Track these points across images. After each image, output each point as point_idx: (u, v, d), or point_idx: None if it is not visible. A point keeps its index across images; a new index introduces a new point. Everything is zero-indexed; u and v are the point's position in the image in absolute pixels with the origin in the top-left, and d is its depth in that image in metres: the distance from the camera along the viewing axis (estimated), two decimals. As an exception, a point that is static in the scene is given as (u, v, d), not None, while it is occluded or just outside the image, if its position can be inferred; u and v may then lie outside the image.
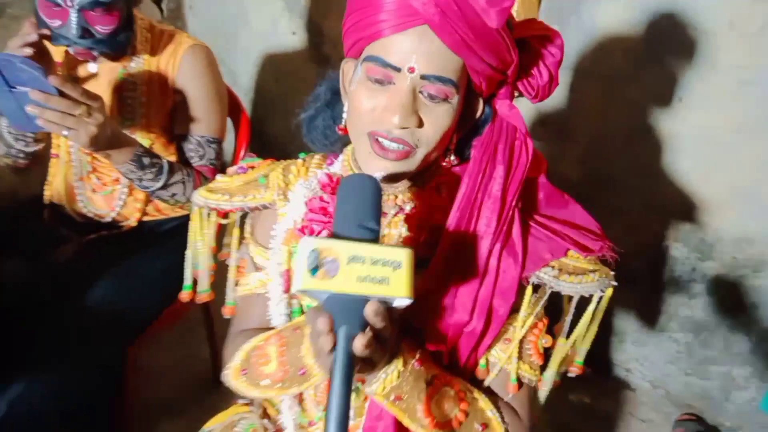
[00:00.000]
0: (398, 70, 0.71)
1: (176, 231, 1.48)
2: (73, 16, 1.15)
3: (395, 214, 0.82)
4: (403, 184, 0.81)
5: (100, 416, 1.29)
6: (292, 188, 0.88)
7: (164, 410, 1.59)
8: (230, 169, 0.97)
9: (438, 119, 0.73)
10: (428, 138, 0.74)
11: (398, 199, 0.82)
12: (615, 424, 1.83)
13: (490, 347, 0.80)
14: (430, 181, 0.83)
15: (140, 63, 1.32)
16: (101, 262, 1.34)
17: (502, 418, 0.78)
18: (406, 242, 0.80)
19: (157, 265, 1.40)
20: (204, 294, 0.99)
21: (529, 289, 0.79)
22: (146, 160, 1.24)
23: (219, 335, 1.22)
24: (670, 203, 1.61)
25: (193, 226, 0.95)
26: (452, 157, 0.82)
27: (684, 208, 1.59)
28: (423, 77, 0.71)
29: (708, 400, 1.77)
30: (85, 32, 1.16)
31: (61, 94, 1.04)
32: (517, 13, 1.66)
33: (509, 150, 0.78)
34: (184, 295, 0.99)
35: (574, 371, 0.85)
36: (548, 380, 0.84)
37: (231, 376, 0.84)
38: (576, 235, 0.79)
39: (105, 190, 1.39)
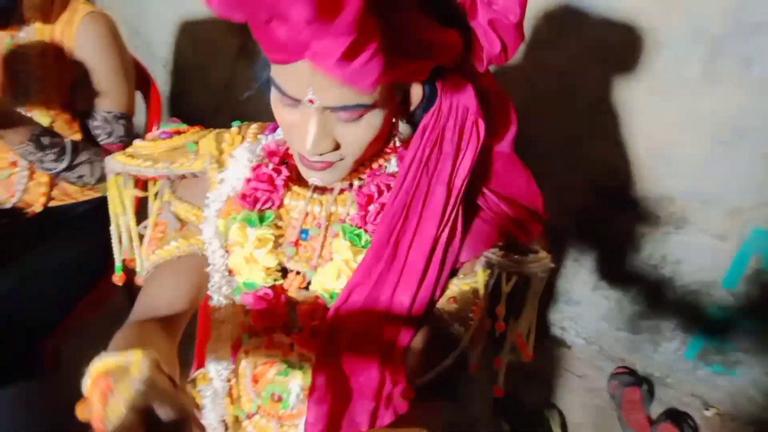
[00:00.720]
0: (298, 101, 0.63)
1: (88, 215, 1.38)
2: None
3: (341, 191, 0.76)
4: None
5: (20, 414, 1.20)
6: (230, 155, 0.80)
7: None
8: (150, 134, 0.87)
9: (357, 135, 0.66)
10: (353, 151, 0.68)
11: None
12: (553, 382, 1.89)
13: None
14: (379, 158, 0.76)
15: (31, 33, 1.19)
16: (3, 253, 1.24)
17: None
18: (353, 221, 0.74)
19: (69, 252, 1.31)
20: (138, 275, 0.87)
21: (481, 271, 0.75)
22: (46, 140, 1.14)
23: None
24: (594, 165, 1.63)
25: (112, 196, 0.85)
26: (398, 144, 0.75)
27: (608, 170, 1.61)
28: (326, 108, 0.63)
29: (638, 353, 1.84)
30: None
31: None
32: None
33: (458, 134, 0.69)
34: (117, 278, 0.87)
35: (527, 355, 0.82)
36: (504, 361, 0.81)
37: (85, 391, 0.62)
38: (520, 219, 0.75)
39: (1, 175, 1.26)
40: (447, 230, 0.70)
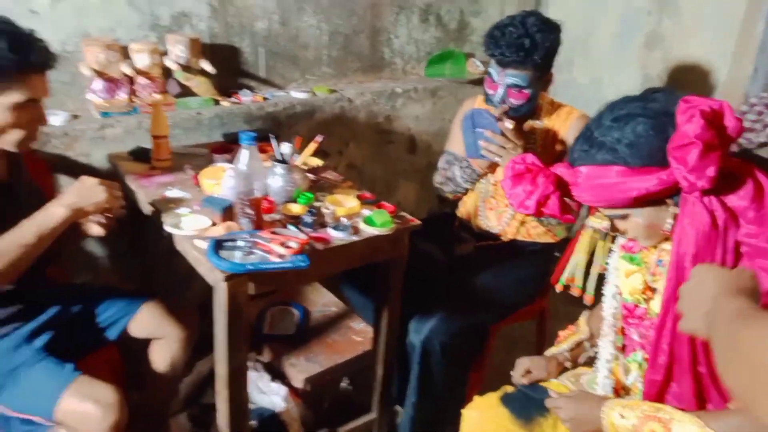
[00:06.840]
0: None
1: (537, 253, 1.94)
2: (501, 90, 1.73)
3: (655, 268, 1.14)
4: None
5: (469, 361, 1.78)
6: None
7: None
8: None
9: (629, 226, 1.09)
10: (634, 234, 1.10)
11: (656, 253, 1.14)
12: None
13: None
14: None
15: (541, 124, 1.85)
16: (486, 260, 1.87)
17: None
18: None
19: (522, 272, 1.88)
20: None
21: None
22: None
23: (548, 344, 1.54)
24: None
25: (583, 240, 1.33)
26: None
27: None
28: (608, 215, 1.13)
29: None
30: (504, 101, 1.73)
31: (501, 134, 1.61)
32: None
33: (702, 233, 0.98)
34: (558, 286, 1.38)
35: None
36: None
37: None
38: None
39: (498, 210, 1.94)
40: None
